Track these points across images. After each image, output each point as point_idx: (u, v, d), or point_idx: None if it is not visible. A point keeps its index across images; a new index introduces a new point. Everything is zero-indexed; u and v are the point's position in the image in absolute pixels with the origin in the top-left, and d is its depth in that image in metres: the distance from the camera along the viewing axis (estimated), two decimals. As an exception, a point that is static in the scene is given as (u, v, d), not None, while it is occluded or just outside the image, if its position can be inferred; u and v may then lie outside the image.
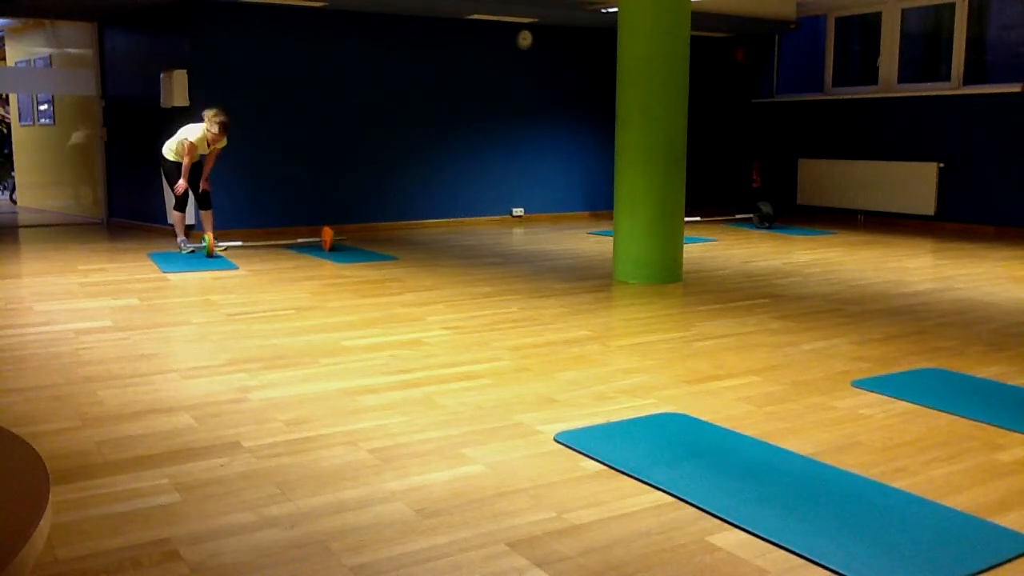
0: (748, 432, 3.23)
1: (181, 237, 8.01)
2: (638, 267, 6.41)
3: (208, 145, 7.77)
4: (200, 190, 7.96)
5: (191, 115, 8.80)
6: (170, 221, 9.21)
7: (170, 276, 6.77)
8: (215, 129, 7.63)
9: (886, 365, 4.16)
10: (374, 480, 2.80)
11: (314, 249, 8.31)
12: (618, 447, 3.05)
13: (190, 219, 9.00)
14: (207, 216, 7.98)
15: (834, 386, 3.82)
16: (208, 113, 7.67)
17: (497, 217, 10.79)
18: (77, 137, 11.31)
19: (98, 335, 4.78)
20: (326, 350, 4.44)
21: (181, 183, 7.75)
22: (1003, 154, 9.31)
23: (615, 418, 3.39)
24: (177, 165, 7.76)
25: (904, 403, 3.58)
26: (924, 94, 9.96)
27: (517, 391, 3.75)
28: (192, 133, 7.70)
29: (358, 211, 9.91)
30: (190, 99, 8.89)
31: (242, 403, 3.59)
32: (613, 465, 2.90)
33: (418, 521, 2.51)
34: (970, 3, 9.64)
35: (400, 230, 10.01)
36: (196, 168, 7.90)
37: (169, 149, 7.82)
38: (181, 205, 7.92)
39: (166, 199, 9.21)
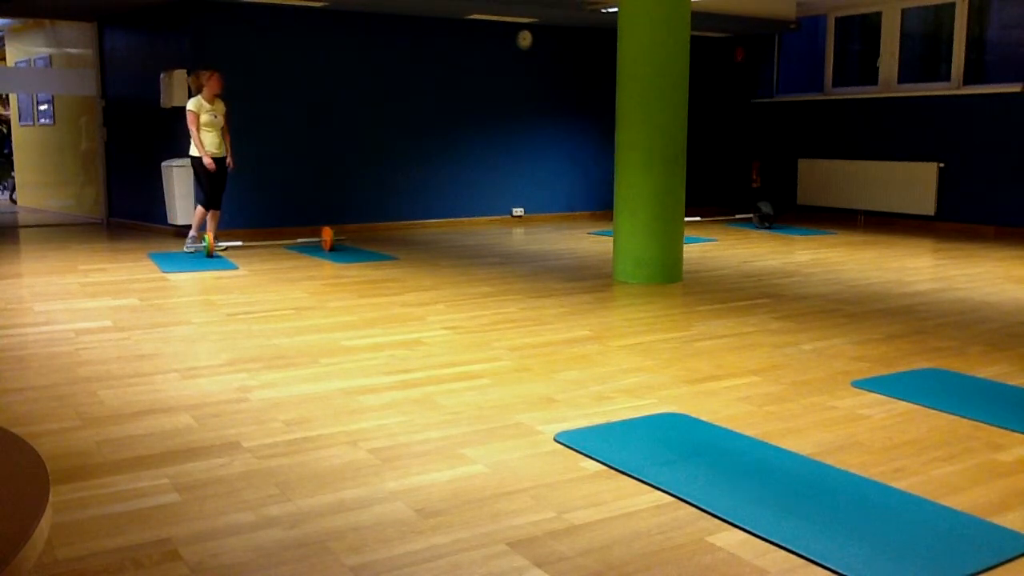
0: (748, 432, 3.23)
1: (193, 233, 7.99)
2: (638, 267, 6.41)
3: (210, 105, 7.72)
4: (228, 166, 7.96)
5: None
6: (170, 221, 9.22)
7: (170, 276, 6.77)
8: (206, 80, 7.63)
9: (886, 365, 4.16)
10: (374, 480, 2.80)
11: (314, 249, 8.31)
12: (618, 447, 3.05)
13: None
14: (213, 216, 7.96)
15: (834, 386, 3.82)
16: (200, 75, 7.71)
17: (497, 217, 10.79)
18: (86, 142, 11.29)
19: (98, 335, 4.78)
20: (326, 350, 4.44)
21: (207, 160, 7.68)
22: (1003, 154, 9.30)
23: (615, 418, 3.39)
24: (199, 159, 7.75)
25: (904, 403, 3.58)
26: (924, 94, 9.96)
27: (517, 391, 3.75)
28: (189, 104, 7.70)
29: (358, 211, 9.91)
30: (190, 99, 8.89)
31: (242, 403, 3.59)
32: (613, 465, 2.90)
33: (418, 521, 2.51)
34: (970, 3, 9.64)
35: (400, 230, 10.01)
36: (219, 164, 7.85)
37: (191, 149, 7.83)
38: (207, 202, 7.88)
39: (166, 200, 9.21)
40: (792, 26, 10.91)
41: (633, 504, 2.62)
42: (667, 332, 4.85)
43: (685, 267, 7.05)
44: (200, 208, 7.94)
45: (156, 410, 3.50)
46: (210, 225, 7.95)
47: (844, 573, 2.20)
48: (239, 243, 8.59)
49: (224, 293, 6.05)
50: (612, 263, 6.75)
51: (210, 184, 7.85)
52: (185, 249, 7.99)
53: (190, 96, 7.83)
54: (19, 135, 13.54)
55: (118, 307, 5.55)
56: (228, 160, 7.96)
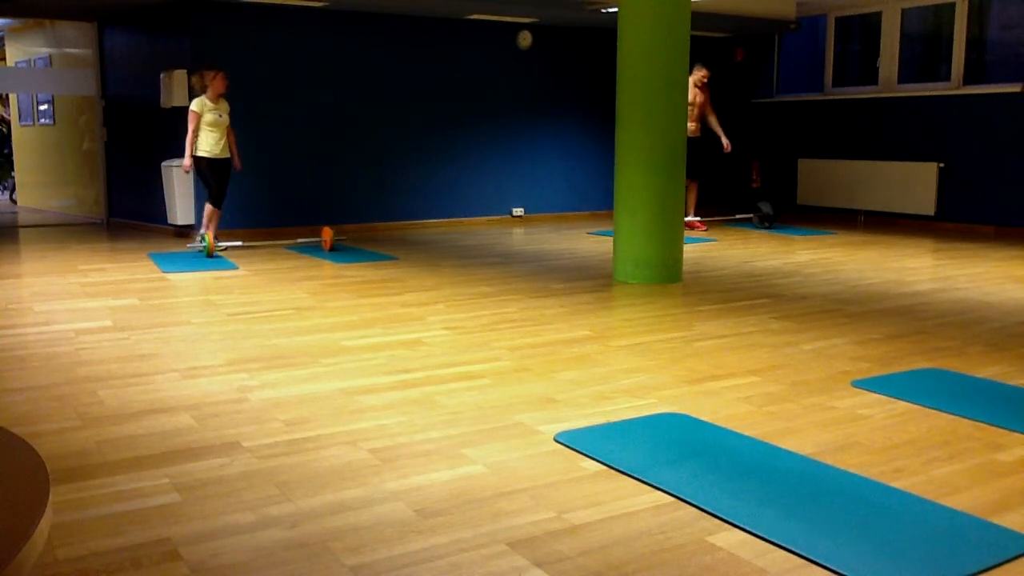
0: (748, 432, 3.23)
1: (202, 230, 7.98)
2: (638, 267, 6.41)
3: (213, 105, 7.72)
4: (236, 167, 8.01)
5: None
6: (170, 221, 9.22)
7: (170, 276, 6.77)
8: (210, 80, 7.65)
9: (886, 365, 4.16)
10: (374, 480, 2.80)
11: (314, 249, 8.31)
12: (618, 447, 3.05)
13: (192, 219, 9.00)
14: (214, 215, 7.96)
15: (834, 386, 3.82)
16: (204, 75, 7.72)
17: (497, 217, 10.79)
18: (86, 142, 11.29)
19: (98, 335, 4.78)
20: (326, 350, 4.44)
21: (186, 162, 7.70)
22: (1003, 154, 9.30)
23: (615, 418, 3.39)
24: (200, 158, 7.74)
25: (904, 403, 3.58)
26: (924, 94, 9.96)
27: (517, 391, 3.75)
28: (192, 103, 7.70)
29: (358, 211, 9.91)
30: (190, 99, 8.88)
31: (242, 403, 3.59)
32: (613, 465, 2.90)
33: (418, 521, 2.51)
34: (970, 3, 9.64)
35: (400, 230, 10.01)
36: (222, 165, 7.86)
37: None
38: (213, 200, 7.89)
39: (166, 200, 9.21)
40: (792, 26, 10.90)
41: (633, 504, 2.62)
42: (667, 332, 4.85)
43: (685, 267, 7.05)
44: (209, 205, 7.95)
45: (156, 410, 3.50)
46: (210, 225, 7.94)
47: (844, 573, 2.20)
48: (239, 243, 8.59)
49: (224, 293, 6.05)
50: (612, 263, 6.75)
51: (211, 183, 7.85)
52: (188, 246, 7.97)
53: (191, 96, 7.83)
54: (19, 135, 13.54)
55: (118, 307, 5.55)
56: (235, 161, 7.97)
